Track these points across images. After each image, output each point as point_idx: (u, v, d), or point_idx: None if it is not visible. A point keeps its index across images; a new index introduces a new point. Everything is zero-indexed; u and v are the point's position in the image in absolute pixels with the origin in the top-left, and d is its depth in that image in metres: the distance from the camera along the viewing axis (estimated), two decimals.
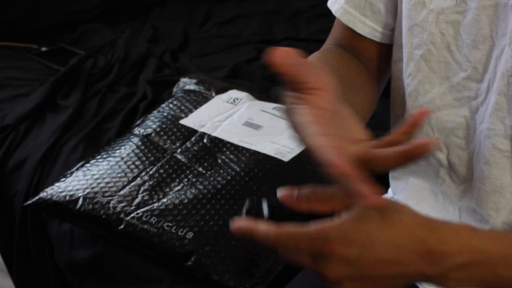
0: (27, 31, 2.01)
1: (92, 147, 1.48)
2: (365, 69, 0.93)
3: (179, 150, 1.33)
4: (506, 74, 0.76)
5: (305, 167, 1.28)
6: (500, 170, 0.79)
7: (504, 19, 0.76)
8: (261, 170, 1.27)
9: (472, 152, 0.82)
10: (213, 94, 1.48)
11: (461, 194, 0.86)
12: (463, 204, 0.86)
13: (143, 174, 1.28)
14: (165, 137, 1.37)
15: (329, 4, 0.94)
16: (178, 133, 1.37)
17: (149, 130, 1.39)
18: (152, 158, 1.31)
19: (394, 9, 0.89)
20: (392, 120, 0.93)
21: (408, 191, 0.92)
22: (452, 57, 0.81)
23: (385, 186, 1.02)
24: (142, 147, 1.34)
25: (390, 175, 0.95)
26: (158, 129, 1.38)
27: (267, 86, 1.67)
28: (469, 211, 0.85)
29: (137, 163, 1.31)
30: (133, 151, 1.34)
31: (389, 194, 1.00)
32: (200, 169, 1.28)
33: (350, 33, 0.93)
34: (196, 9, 2.16)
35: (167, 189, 1.25)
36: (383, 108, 1.00)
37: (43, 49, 1.93)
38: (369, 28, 0.91)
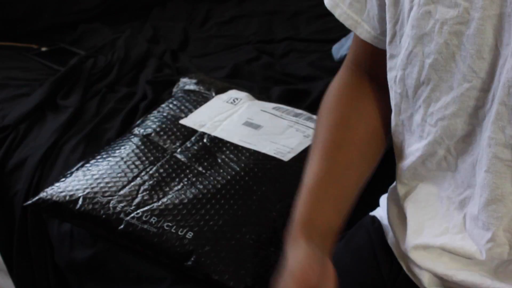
0: (27, 31, 2.01)
1: (92, 147, 1.48)
2: (375, 104, 0.97)
3: (179, 150, 1.33)
4: (507, 84, 0.76)
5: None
6: (501, 179, 0.80)
7: (508, 29, 0.76)
8: (261, 170, 1.27)
9: (476, 159, 0.83)
10: (213, 94, 1.48)
11: (465, 200, 0.86)
12: (467, 211, 0.86)
13: (143, 174, 1.28)
14: (165, 137, 1.37)
15: (329, 7, 0.95)
16: (178, 133, 1.37)
17: (149, 130, 1.39)
18: (152, 158, 1.31)
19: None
20: (392, 129, 0.94)
21: (416, 195, 0.92)
22: (457, 67, 0.81)
23: (384, 187, 1.02)
24: (142, 147, 1.34)
25: (397, 180, 0.95)
26: (158, 129, 1.38)
27: (267, 86, 1.67)
28: (472, 218, 0.85)
29: (137, 163, 1.31)
30: (133, 151, 1.34)
31: (383, 200, 1.00)
32: (200, 168, 1.28)
33: (363, 44, 0.96)
34: (196, 9, 2.16)
35: (167, 189, 1.25)
36: None
37: (43, 49, 1.93)
38: (369, 33, 0.93)
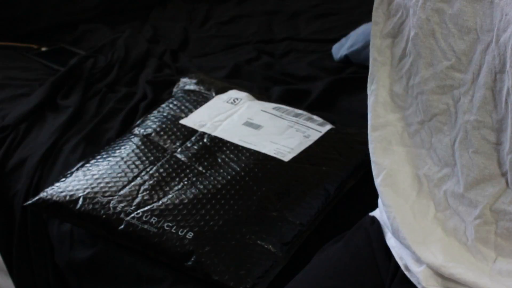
0: (27, 31, 2.01)
1: (92, 147, 1.48)
2: None
3: (179, 150, 1.33)
4: (494, 70, 0.79)
5: (305, 167, 1.28)
6: (489, 160, 0.83)
7: (489, 15, 0.78)
8: (261, 170, 1.27)
9: (454, 139, 0.86)
10: (213, 94, 1.48)
11: (444, 177, 0.89)
12: (448, 188, 0.89)
13: (143, 173, 1.28)
14: (165, 137, 1.37)
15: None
16: (178, 133, 1.37)
17: (149, 130, 1.39)
18: (152, 158, 1.32)
19: None
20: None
21: (390, 177, 0.93)
22: (437, 44, 0.84)
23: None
24: (142, 147, 1.34)
25: (372, 158, 0.95)
26: (158, 129, 1.39)
27: (267, 86, 1.67)
28: (456, 196, 0.88)
29: (137, 163, 1.31)
30: (133, 151, 1.34)
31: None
32: (200, 168, 1.28)
33: None
34: (196, 9, 2.16)
35: (167, 189, 1.25)
36: None
37: (43, 49, 1.93)
38: None
